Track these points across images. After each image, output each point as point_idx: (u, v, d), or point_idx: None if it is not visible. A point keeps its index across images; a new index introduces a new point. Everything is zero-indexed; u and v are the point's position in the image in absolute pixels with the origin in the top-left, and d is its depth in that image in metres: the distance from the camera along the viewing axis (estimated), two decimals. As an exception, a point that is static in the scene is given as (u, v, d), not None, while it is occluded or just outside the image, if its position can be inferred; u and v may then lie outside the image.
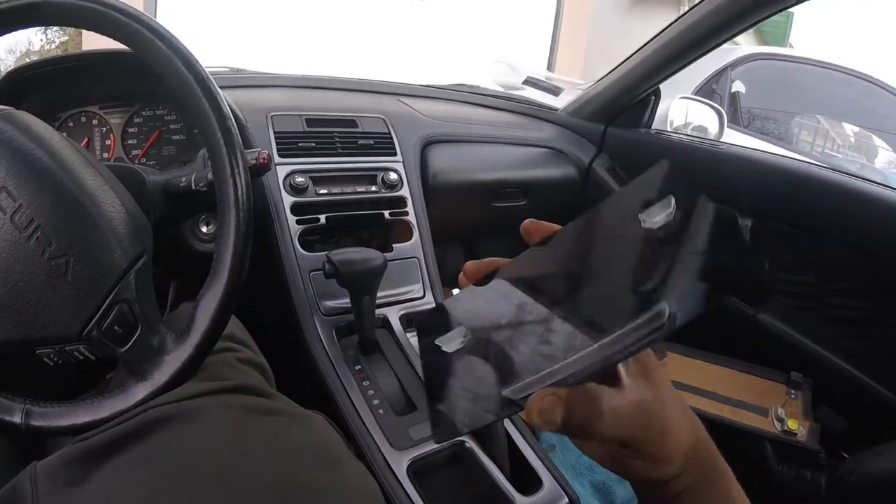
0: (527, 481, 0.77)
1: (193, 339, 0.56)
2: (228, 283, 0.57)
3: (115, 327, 0.54)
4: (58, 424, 0.55)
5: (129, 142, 1.00)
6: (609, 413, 0.34)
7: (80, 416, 0.55)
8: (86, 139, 0.98)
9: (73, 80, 0.92)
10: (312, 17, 5.11)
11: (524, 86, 1.86)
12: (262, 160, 0.75)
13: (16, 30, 0.58)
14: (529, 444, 0.80)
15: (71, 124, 0.97)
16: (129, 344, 0.55)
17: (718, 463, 0.42)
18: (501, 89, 2.12)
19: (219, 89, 0.59)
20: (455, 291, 0.80)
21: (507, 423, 0.81)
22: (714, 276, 0.28)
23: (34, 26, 0.59)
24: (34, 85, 0.90)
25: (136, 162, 1.00)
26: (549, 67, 6.04)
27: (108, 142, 0.99)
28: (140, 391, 0.55)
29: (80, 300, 0.53)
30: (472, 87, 1.68)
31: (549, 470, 0.77)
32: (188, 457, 0.51)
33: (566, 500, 0.74)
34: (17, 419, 0.55)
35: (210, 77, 0.58)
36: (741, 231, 1.25)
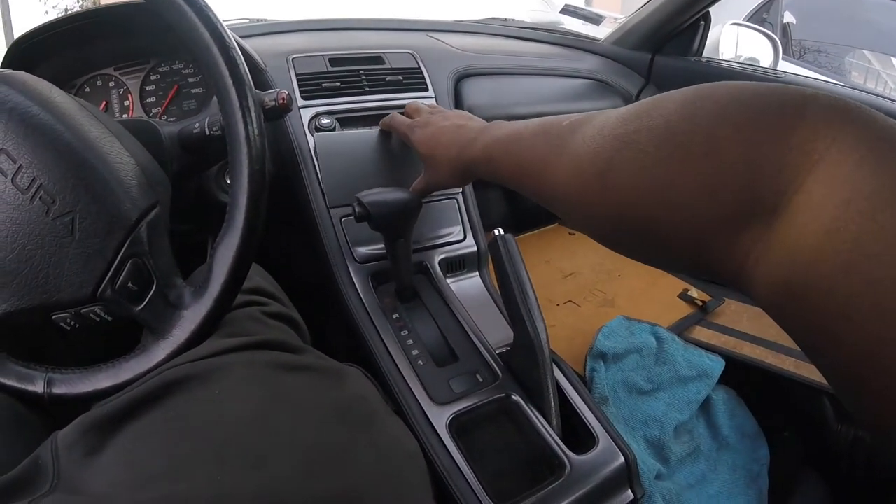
0: (579, 437, 0.69)
1: (212, 291, 0.53)
2: (245, 226, 0.53)
3: (130, 284, 0.51)
4: (80, 391, 0.53)
5: (148, 100, 0.95)
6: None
7: (102, 380, 0.53)
8: (104, 102, 0.93)
9: (83, 43, 0.87)
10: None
11: (561, 16, 1.74)
12: (281, 101, 0.71)
13: None
14: (582, 397, 0.72)
15: (87, 90, 0.93)
16: (146, 301, 0.52)
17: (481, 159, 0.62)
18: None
19: (222, 22, 0.53)
20: (496, 231, 0.73)
21: (557, 374, 0.73)
22: None
23: None
24: (43, 53, 0.85)
25: (158, 119, 0.95)
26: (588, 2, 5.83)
27: (126, 103, 0.94)
28: (161, 350, 0.52)
29: (89, 258, 0.50)
30: (505, 20, 1.57)
31: (603, 426, 0.69)
32: (208, 420, 0.47)
33: (622, 459, 0.66)
34: (40, 388, 0.53)
35: (211, 9, 0.53)
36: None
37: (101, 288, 0.51)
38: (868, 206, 0.25)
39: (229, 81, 0.53)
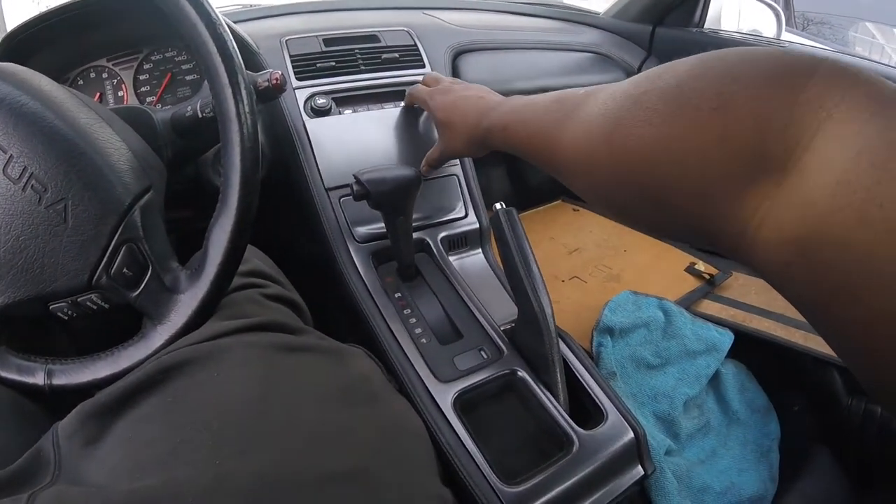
0: (587, 413, 0.68)
1: (209, 273, 0.52)
2: (238, 208, 0.52)
3: (125, 270, 0.51)
4: (80, 380, 0.53)
5: (143, 89, 0.93)
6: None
7: (101, 369, 0.52)
8: (98, 94, 0.92)
9: (74, 35, 0.86)
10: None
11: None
12: (274, 81, 0.69)
13: None
14: (589, 372, 0.70)
15: (81, 82, 0.92)
16: (141, 287, 0.52)
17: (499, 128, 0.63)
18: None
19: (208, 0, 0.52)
20: (497, 206, 0.72)
21: (564, 349, 0.72)
22: None
23: None
24: (35, 46, 0.84)
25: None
26: None
27: (120, 93, 0.93)
28: (159, 336, 0.52)
29: (83, 245, 0.50)
30: (501, -6, 1.54)
31: (612, 401, 0.68)
32: (207, 403, 0.46)
33: (631, 434, 0.65)
34: (41, 380, 0.53)
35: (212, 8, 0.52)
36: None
37: (96, 275, 0.50)
38: (880, 157, 0.24)
39: (217, 59, 0.52)
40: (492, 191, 1.62)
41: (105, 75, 0.92)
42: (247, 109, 0.53)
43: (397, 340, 0.71)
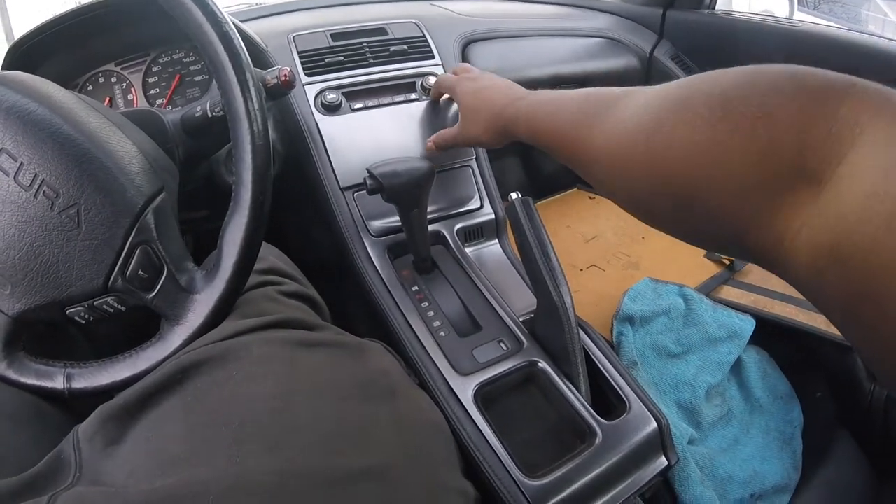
0: (609, 403, 0.68)
1: (224, 272, 0.52)
2: (252, 206, 0.52)
3: (140, 272, 0.51)
4: (99, 383, 0.53)
5: (152, 92, 0.94)
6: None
7: (121, 371, 0.53)
8: (107, 98, 0.92)
9: (81, 41, 0.86)
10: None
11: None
12: (283, 78, 0.69)
13: None
14: (611, 361, 0.70)
15: (90, 87, 0.92)
16: (157, 288, 0.52)
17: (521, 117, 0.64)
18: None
19: (222, 12, 0.53)
20: (513, 195, 0.71)
21: (584, 339, 0.72)
22: None
23: None
24: (43, 54, 0.84)
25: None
26: None
27: (129, 97, 0.93)
28: (177, 337, 0.52)
29: (97, 249, 0.50)
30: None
31: (634, 390, 0.67)
32: (227, 401, 0.46)
33: (655, 424, 0.65)
34: (60, 384, 0.53)
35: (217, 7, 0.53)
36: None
37: (111, 278, 0.51)
38: None
39: (225, 57, 0.52)
40: (506, 181, 1.61)
41: (114, 80, 0.93)
42: (256, 107, 0.53)
43: (415, 334, 0.71)
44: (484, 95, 0.74)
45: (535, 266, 0.67)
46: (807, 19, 2.02)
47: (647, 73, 1.31)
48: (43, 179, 0.48)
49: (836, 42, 1.09)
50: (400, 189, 0.71)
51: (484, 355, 0.69)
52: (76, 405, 0.56)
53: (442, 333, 0.72)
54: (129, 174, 0.51)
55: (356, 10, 1.20)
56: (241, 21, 1.08)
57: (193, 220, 0.87)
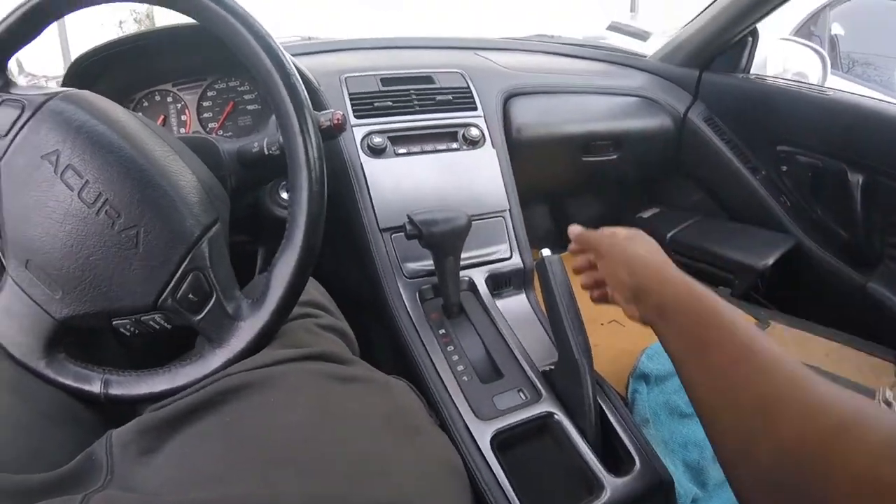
0: (618, 459, 0.73)
1: (269, 305, 0.56)
2: (303, 246, 0.56)
3: (190, 295, 0.55)
4: (136, 392, 0.57)
5: (205, 115, 1.01)
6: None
7: (158, 383, 0.56)
8: (161, 117, 0.99)
9: (143, 60, 0.93)
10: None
11: (608, 32, 1.78)
12: (336, 121, 0.74)
13: (89, 6, 0.59)
14: (623, 419, 0.75)
15: (146, 104, 0.99)
16: (205, 312, 0.56)
17: (671, 298, 0.58)
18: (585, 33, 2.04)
19: (281, 48, 0.58)
20: (544, 252, 0.77)
21: (600, 395, 0.77)
22: None
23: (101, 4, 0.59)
24: (104, 68, 0.91)
25: (214, 135, 1.01)
26: (633, 8, 5.86)
27: (183, 117, 1.00)
28: (217, 358, 0.56)
29: (152, 270, 0.54)
30: (552, 36, 1.62)
31: (642, 448, 0.72)
32: (262, 427, 0.51)
33: (659, 482, 0.69)
34: (97, 388, 0.57)
35: (271, 36, 0.57)
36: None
37: (162, 298, 0.55)
38: None
39: (290, 107, 0.57)
40: (536, 227, 1.68)
41: (170, 99, 1.00)
42: (316, 155, 0.58)
43: (440, 376, 0.77)
44: (633, 268, 0.66)
45: (561, 326, 0.73)
46: (840, 83, 2.08)
47: (680, 133, 1.38)
48: (106, 199, 0.52)
49: (869, 112, 1.15)
50: (438, 237, 0.78)
51: (503, 403, 0.75)
52: (109, 410, 0.61)
53: (465, 378, 0.78)
54: (188, 203, 0.56)
55: (404, 54, 1.28)
56: (296, 55, 1.17)
57: (234, 242, 0.93)
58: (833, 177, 1.22)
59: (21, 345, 0.57)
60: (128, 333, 0.58)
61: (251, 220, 0.88)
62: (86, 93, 0.58)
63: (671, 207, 1.54)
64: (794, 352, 1.00)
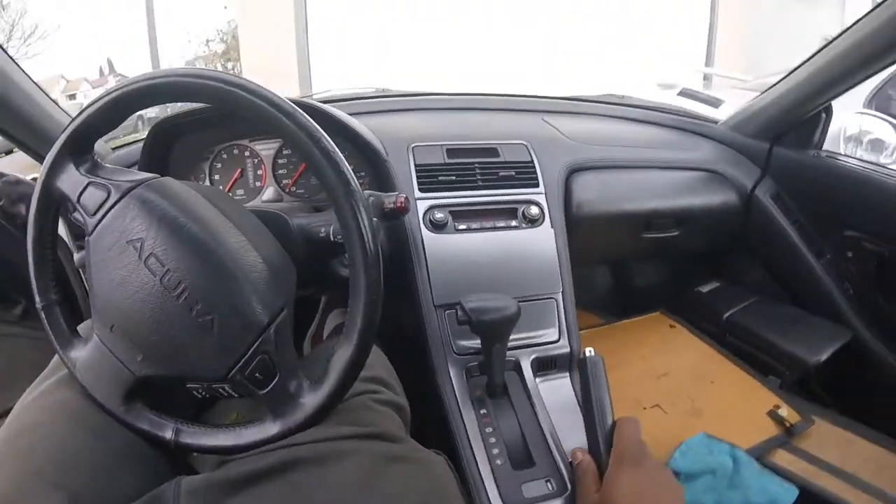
0: None
1: (326, 388, 0.63)
2: (358, 343, 0.63)
3: (257, 374, 0.62)
4: (203, 443, 0.65)
5: (280, 172, 1.11)
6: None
7: (222, 440, 0.64)
8: (239, 170, 1.10)
9: (222, 122, 1.03)
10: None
11: (680, 97, 1.80)
12: (399, 204, 0.82)
13: (168, 102, 0.65)
14: None
15: (224, 156, 1.10)
16: (268, 388, 0.62)
17: None
18: (659, 89, 2.06)
19: (339, 155, 0.61)
20: (588, 351, 0.83)
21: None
22: None
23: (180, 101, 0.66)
24: (186, 129, 1.02)
25: (287, 190, 1.12)
26: (708, 61, 5.85)
27: (259, 172, 1.11)
28: (276, 428, 0.63)
29: (225, 351, 0.61)
30: (621, 97, 1.66)
31: None
32: (318, 500, 0.60)
33: None
34: (169, 435, 0.65)
35: (330, 143, 0.62)
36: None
37: (231, 373, 0.62)
38: None
39: (344, 201, 0.62)
40: (595, 289, 1.74)
41: (247, 154, 1.11)
42: (372, 247, 0.62)
43: (475, 458, 0.85)
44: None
45: (592, 426, 0.79)
46: None
47: (747, 210, 1.39)
48: (185, 287, 0.59)
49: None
50: (487, 325, 0.85)
51: (531, 491, 0.82)
52: (175, 456, 0.70)
53: (498, 461, 0.85)
54: (260, 293, 0.63)
55: (471, 118, 1.36)
56: (366, 112, 1.26)
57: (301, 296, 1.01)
58: None
59: (103, 392, 0.66)
60: (199, 396, 0.66)
61: (317, 276, 0.95)
62: (168, 181, 0.66)
63: (732, 282, 1.55)
64: (834, 454, 1.02)
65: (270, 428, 0.63)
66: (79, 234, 1.00)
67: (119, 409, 0.66)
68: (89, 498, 0.59)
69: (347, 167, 0.62)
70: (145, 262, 0.60)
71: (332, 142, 0.62)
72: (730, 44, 5.98)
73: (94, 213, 0.63)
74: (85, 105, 0.64)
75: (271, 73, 5.37)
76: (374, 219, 0.73)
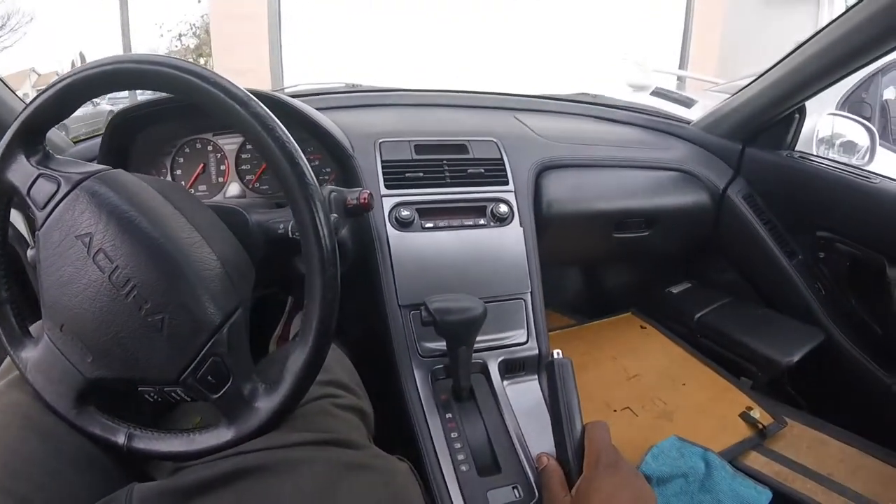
0: None
1: (282, 390, 0.62)
2: (314, 345, 0.62)
3: (209, 377, 0.61)
4: (156, 449, 0.64)
5: (243, 167, 1.10)
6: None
7: (177, 445, 0.63)
8: (201, 165, 1.09)
9: (183, 113, 1.02)
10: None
11: (652, 97, 1.82)
12: (362, 201, 0.81)
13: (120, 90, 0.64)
14: None
15: (187, 150, 1.09)
16: (221, 392, 0.62)
17: None
18: (631, 89, 2.08)
19: (293, 146, 0.60)
20: (555, 353, 0.82)
21: None
22: None
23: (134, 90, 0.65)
24: (147, 121, 1.01)
25: (251, 186, 1.10)
26: (682, 64, 5.95)
27: (222, 167, 1.10)
28: (230, 434, 0.62)
29: (175, 352, 0.60)
30: (594, 96, 1.67)
31: None
32: None
33: None
34: (121, 440, 0.64)
35: (284, 133, 0.61)
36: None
37: (183, 376, 0.61)
38: None
39: (299, 195, 0.61)
40: (567, 290, 1.74)
41: (210, 148, 1.09)
42: (329, 245, 0.61)
43: (440, 464, 0.84)
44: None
45: (560, 431, 0.79)
46: (890, 156, 2.07)
47: (719, 210, 1.41)
48: (135, 285, 0.58)
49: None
50: (451, 326, 0.84)
51: (497, 499, 0.81)
52: (129, 461, 0.69)
53: (463, 468, 0.84)
54: (212, 293, 0.62)
55: (441, 114, 1.36)
56: (334, 107, 1.25)
57: (262, 296, 0.99)
58: (871, 269, 1.24)
59: (54, 394, 0.65)
60: (151, 400, 0.65)
61: (280, 274, 0.94)
62: (120, 173, 0.64)
63: (704, 283, 1.57)
64: (807, 455, 1.04)
65: (224, 434, 0.63)
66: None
67: (70, 413, 0.65)
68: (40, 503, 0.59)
69: (303, 159, 0.61)
70: (94, 258, 0.59)
71: (287, 132, 0.61)
72: (704, 47, 6.08)
73: (44, 207, 0.62)
74: (36, 94, 0.63)
75: (244, 68, 5.33)
76: (335, 215, 0.72)
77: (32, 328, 0.70)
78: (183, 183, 1.10)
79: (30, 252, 0.68)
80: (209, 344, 0.60)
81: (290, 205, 0.62)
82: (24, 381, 0.67)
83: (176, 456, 0.63)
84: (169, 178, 1.10)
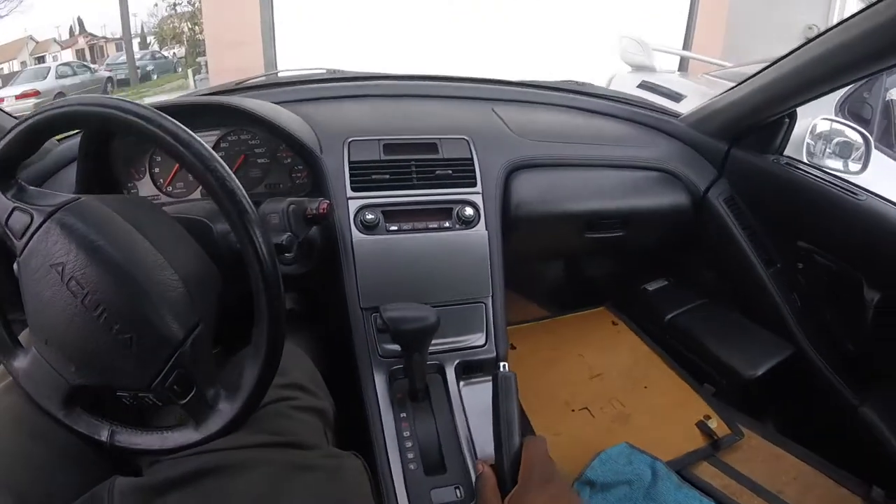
0: None
1: (241, 397, 0.71)
2: (265, 360, 0.71)
3: (175, 386, 0.69)
4: (134, 444, 0.74)
5: None
6: None
7: (150, 442, 0.73)
8: (177, 165, 1.15)
9: None
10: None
11: (640, 90, 1.84)
12: (321, 210, 0.89)
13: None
14: None
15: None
16: (187, 399, 0.71)
17: None
18: (629, 68, 2.09)
19: (233, 182, 0.67)
20: (502, 366, 0.89)
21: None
22: None
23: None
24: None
25: None
26: (686, 45, 5.86)
27: None
28: (197, 434, 0.72)
29: (144, 365, 0.68)
30: (580, 84, 1.66)
31: None
32: None
33: None
34: (105, 437, 0.74)
35: (224, 170, 0.67)
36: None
37: (153, 385, 0.70)
38: None
39: (239, 226, 0.67)
40: (541, 277, 1.79)
41: None
42: (269, 262, 0.68)
43: (388, 461, 0.92)
44: None
45: (498, 440, 0.86)
46: (887, 162, 2.08)
47: (699, 212, 1.42)
48: (105, 308, 0.66)
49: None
50: (405, 335, 0.91)
51: (439, 497, 0.90)
52: (116, 457, 0.79)
53: (412, 466, 0.93)
54: (175, 311, 0.70)
55: (415, 108, 1.40)
56: (311, 99, 1.31)
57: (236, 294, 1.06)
58: (848, 285, 1.26)
59: (44, 398, 0.74)
60: (128, 403, 0.75)
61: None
62: (88, 203, 0.72)
63: (681, 281, 1.60)
64: (760, 470, 1.09)
65: (192, 435, 0.72)
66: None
67: (59, 413, 0.74)
68: (34, 496, 0.71)
69: (242, 193, 0.68)
70: (67, 285, 0.67)
71: (228, 169, 0.68)
72: (710, 28, 5.99)
73: (21, 237, 0.70)
74: (2, 135, 0.71)
75: (235, 41, 5.33)
76: (288, 233, 0.84)
77: (22, 336, 0.79)
78: (161, 180, 1.16)
79: (14, 266, 0.75)
80: (174, 357, 0.68)
81: (233, 233, 0.69)
82: (17, 386, 0.76)
83: (150, 452, 0.74)
84: (147, 175, 1.16)
